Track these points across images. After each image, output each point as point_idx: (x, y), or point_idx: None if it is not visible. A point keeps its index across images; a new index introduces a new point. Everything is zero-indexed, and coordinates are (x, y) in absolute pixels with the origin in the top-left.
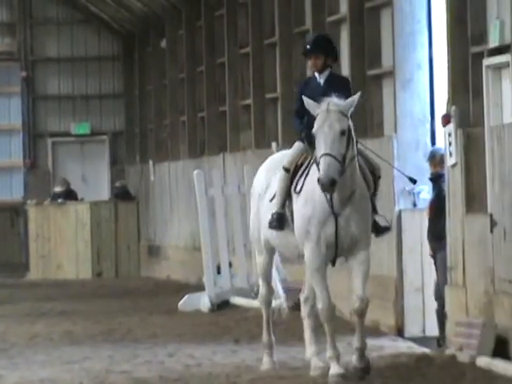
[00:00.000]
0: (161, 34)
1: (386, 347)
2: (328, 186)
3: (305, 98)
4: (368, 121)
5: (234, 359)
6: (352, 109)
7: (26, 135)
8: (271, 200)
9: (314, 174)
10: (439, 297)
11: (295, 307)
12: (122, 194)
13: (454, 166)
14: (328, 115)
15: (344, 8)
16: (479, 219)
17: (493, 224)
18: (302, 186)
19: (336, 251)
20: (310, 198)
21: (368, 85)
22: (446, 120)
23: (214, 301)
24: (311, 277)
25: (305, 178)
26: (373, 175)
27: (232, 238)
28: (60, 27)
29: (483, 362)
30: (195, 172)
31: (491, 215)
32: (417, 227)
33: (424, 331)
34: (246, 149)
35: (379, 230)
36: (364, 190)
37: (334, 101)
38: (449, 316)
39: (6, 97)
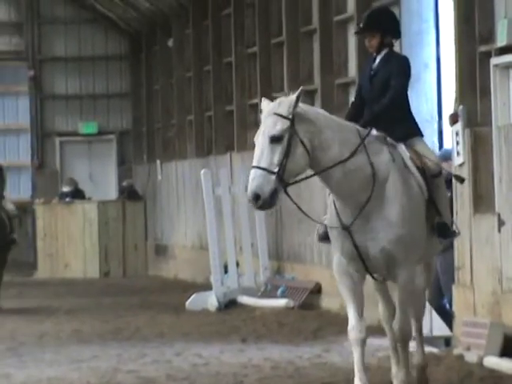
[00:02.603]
0: (168, 34)
1: None
2: (253, 202)
3: (263, 99)
4: None
5: (241, 358)
6: (291, 109)
7: (34, 135)
8: None
9: None
10: (435, 298)
11: (302, 307)
12: (129, 194)
13: (461, 165)
14: (265, 120)
15: (351, 7)
16: (487, 219)
17: (500, 223)
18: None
19: (365, 266)
20: (329, 207)
21: None
22: (454, 119)
23: (222, 300)
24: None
25: None
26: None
27: (239, 238)
28: (67, 26)
29: (491, 361)
30: (202, 171)
31: (499, 215)
32: None
33: (431, 331)
34: (254, 148)
35: (443, 234)
36: (393, 194)
37: (280, 100)
38: (456, 316)
39: (14, 96)
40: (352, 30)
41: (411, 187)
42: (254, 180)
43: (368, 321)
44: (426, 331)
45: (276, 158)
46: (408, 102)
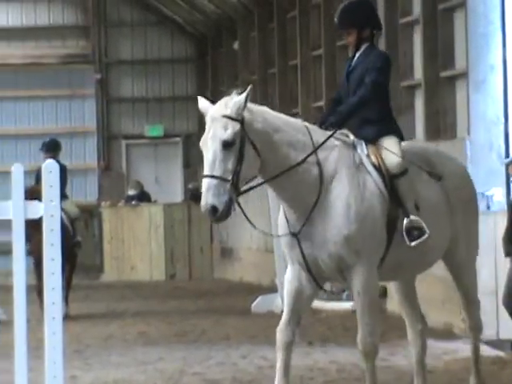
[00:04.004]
0: (233, 36)
1: (460, 350)
2: (210, 215)
3: (199, 99)
4: (441, 122)
5: (306, 361)
6: (240, 110)
7: (100, 137)
8: None
9: None
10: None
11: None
12: (195, 196)
13: None
14: (212, 123)
15: (417, 9)
16: None
17: None
18: None
19: (314, 276)
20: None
21: (441, 86)
22: None
23: None
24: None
25: None
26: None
27: None
28: (134, 30)
29: None
30: None
31: None
32: (490, 230)
33: (498, 334)
34: None
35: (410, 235)
36: (339, 194)
37: (226, 101)
38: None
39: (81, 99)
40: (418, 32)
41: (363, 186)
42: (209, 190)
43: (433, 323)
44: (492, 333)
45: (230, 165)
46: (386, 100)
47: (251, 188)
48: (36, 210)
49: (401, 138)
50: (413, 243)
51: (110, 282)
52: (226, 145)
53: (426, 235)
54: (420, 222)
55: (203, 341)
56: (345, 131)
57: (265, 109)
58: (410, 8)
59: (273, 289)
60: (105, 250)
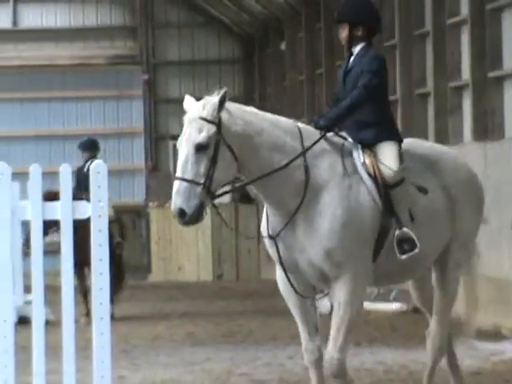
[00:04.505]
0: (281, 37)
1: (508, 351)
2: (178, 218)
3: (186, 97)
4: (489, 123)
5: (354, 362)
6: (216, 112)
7: (148, 138)
8: None
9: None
10: None
11: (415, 310)
12: (242, 197)
13: None
14: (189, 125)
15: (465, 10)
16: None
17: None
18: None
19: (290, 279)
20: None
21: (489, 87)
22: None
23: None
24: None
25: None
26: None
27: None
28: (181, 30)
29: None
30: None
31: None
32: None
33: None
34: None
35: (400, 248)
36: (327, 203)
37: (204, 103)
38: None
39: (128, 100)
40: (466, 32)
41: (355, 196)
42: (179, 194)
43: (480, 324)
44: None
45: (202, 168)
46: (383, 103)
47: (226, 192)
48: (84, 210)
49: (400, 142)
50: (403, 256)
51: (157, 283)
52: (200, 147)
53: (417, 250)
54: (410, 234)
55: (250, 341)
56: (343, 134)
57: (250, 110)
58: (457, 8)
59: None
60: (152, 250)
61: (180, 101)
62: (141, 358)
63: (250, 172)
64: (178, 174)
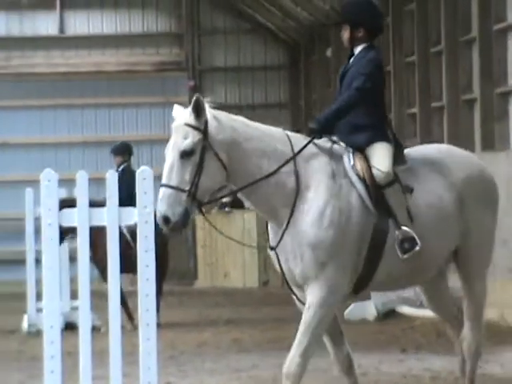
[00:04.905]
0: (326, 43)
1: None
2: (162, 225)
3: (175, 106)
4: None
5: (400, 368)
6: (203, 118)
7: None
8: None
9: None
10: None
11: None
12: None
13: None
14: (175, 131)
15: (511, 15)
16: None
17: None
18: None
19: (292, 289)
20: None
21: None
22: None
23: (380, 310)
24: None
25: None
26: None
27: None
28: (227, 37)
29: None
30: None
31: None
32: None
33: None
34: None
35: (402, 248)
36: (312, 206)
37: (191, 109)
38: None
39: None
40: None
41: (344, 198)
42: (163, 200)
43: None
44: None
45: (187, 175)
46: (376, 106)
47: (214, 200)
48: (130, 216)
49: (398, 145)
50: (405, 255)
51: (203, 289)
52: (185, 154)
53: (418, 247)
54: (411, 233)
55: None
56: (335, 138)
57: (240, 119)
58: (504, 14)
59: (366, 296)
60: (198, 256)
61: (226, 107)
62: (187, 365)
63: (239, 180)
64: (163, 180)
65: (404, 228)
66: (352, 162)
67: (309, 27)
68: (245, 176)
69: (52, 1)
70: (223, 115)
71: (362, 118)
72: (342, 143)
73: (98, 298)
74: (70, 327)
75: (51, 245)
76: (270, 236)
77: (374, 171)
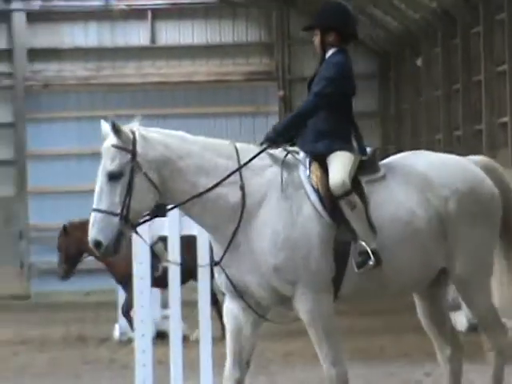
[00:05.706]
0: (417, 53)
1: None
2: (96, 250)
3: (102, 122)
4: None
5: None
6: (130, 140)
7: None
8: None
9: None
10: None
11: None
12: None
13: None
14: (104, 153)
15: None
16: None
17: None
18: None
19: (248, 303)
20: None
21: None
22: None
23: (471, 320)
24: None
25: None
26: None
27: None
28: None
29: None
30: None
31: None
32: None
33: None
34: (504, 167)
35: (356, 262)
36: (266, 220)
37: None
38: None
39: (264, 116)
40: None
41: (297, 210)
42: (94, 225)
43: None
44: None
45: (117, 198)
46: (339, 112)
47: (146, 220)
48: (191, 225)
49: (362, 152)
50: (360, 270)
51: None
52: (113, 176)
53: (371, 262)
54: (364, 247)
55: (383, 358)
56: (291, 148)
57: (178, 134)
58: None
59: (454, 306)
60: None
61: None
62: (277, 375)
63: (174, 198)
64: (94, 205)
65: (359, 242)
66: (308, 173)
67: (399, 36)
68: (179, 194)
69: (144, 11)
70: (155, 133)
71: (324, 124)
72: (301, 152)
73: (189, 307)
74: (160, 336)
75: (142, 254)
76: (214, 251)
77: (331, 181)
